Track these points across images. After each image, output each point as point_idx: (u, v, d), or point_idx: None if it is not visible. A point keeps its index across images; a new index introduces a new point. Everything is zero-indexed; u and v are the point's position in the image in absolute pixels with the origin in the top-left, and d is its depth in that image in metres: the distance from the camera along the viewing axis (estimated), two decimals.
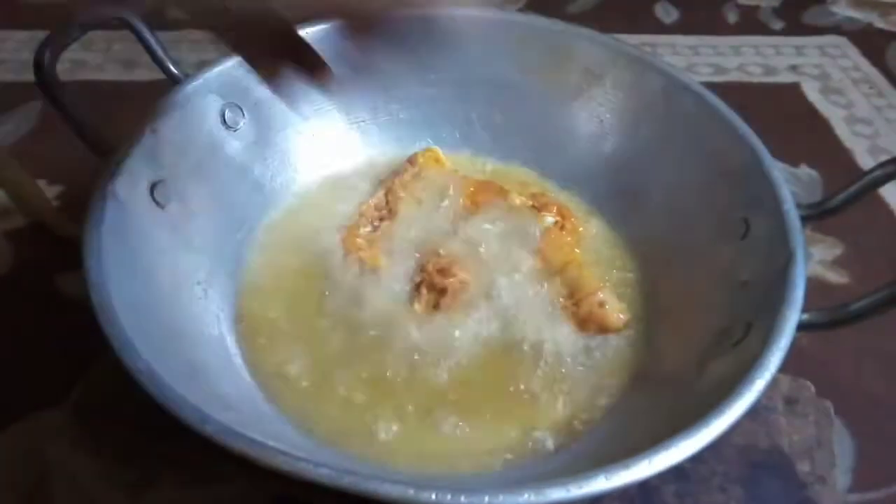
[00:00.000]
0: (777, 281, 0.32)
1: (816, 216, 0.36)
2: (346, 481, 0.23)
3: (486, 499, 0.23)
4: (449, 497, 0.23)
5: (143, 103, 0.42)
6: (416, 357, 0.40)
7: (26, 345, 0.47)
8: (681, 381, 0.35)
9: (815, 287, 0.55)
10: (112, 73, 0.72)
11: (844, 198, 0.35)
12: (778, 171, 0.37)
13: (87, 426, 0.42)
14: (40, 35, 0.76)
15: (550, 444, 0.37)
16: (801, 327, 0.30)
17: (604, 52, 0.48)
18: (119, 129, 0.40)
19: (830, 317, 0.30)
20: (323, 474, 0.23)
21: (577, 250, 0.46)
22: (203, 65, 0.73)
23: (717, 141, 0.41)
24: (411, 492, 0.23)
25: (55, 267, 0.52)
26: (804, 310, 0.31)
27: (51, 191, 0.58)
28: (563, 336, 0.41)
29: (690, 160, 0.44)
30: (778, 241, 0.34)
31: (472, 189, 0.48)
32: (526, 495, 0.23)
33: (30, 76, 0.38)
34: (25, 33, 0.77)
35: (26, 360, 0.47)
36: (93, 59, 0.74)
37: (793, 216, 0.34)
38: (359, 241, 0.46)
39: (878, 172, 0.33)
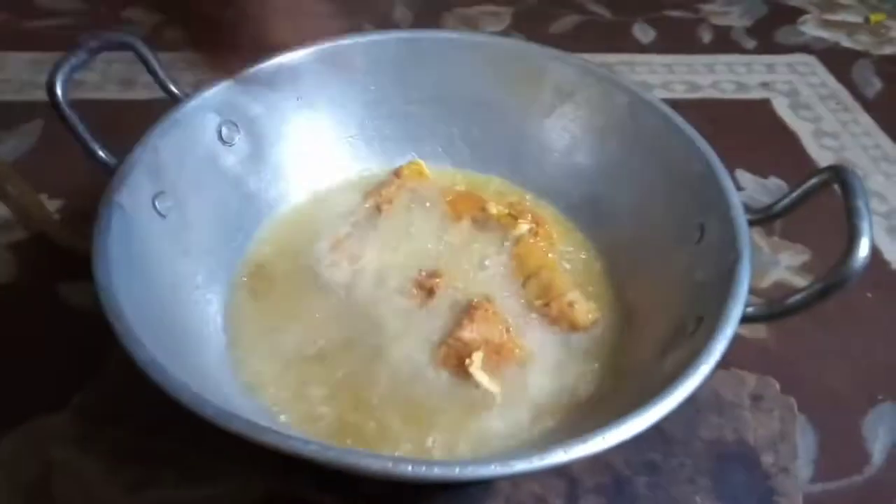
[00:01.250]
0: (725, 279, 0.34)
1: (763, 220, 0.38)
2: (331, 455, 0.26)
3: (457, 470, 0.25)
4: (423, 469, 0.25)
5: (141, 121, 0.43)
6: (400, 353, 0.42)
7: (31, 352, 0.49)
8: (645, 370, 0.37)
9: (782, 291, 0.57)
10: (111, 93, 0.75)
11: (787, 203, 0.37)
12: (729, 180, 0.40)
13: (89, 428, 0.43)
14: (41, 57, 0.80)
15: (529, 431, 0.39)
16: (745, 319, 0.33)
17: (573, 72, 0.50)
18: (119, 146, 0.42)
19: (769, 310, 0.33)
20: (311, 450, 0.26)
21: (550, 255, 0.48)
22: (198, 83, 0.76)
23: (677, 153, 0.44)
24: (390, 465, 0.25)
25: (57, 277, 0.54)
26: (750, 304, 0.34)
27: (52, 204, 0.60)
28: (537, 333, 0.44)
29: (653, 171, 0.46)
30: (728, 244, 0.36)
31: (453, 199, 0.51)
32: (493, 466, 0.26)
33: (32, 95, 0.40)
34: (28, 55, 0.79)
35: (31, 366, 0.48)
36: (92, 79, 0.76)
37: (741, 221, 0.37)
38: (347, 248, 0.48)
39: (814, 180, 0.36)
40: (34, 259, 0.56)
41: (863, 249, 0.30)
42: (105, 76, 0.77)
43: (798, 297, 0.32)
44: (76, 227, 0.56)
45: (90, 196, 0.39)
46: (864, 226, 0.30)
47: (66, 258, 0.53)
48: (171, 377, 0.28)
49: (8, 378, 0.48)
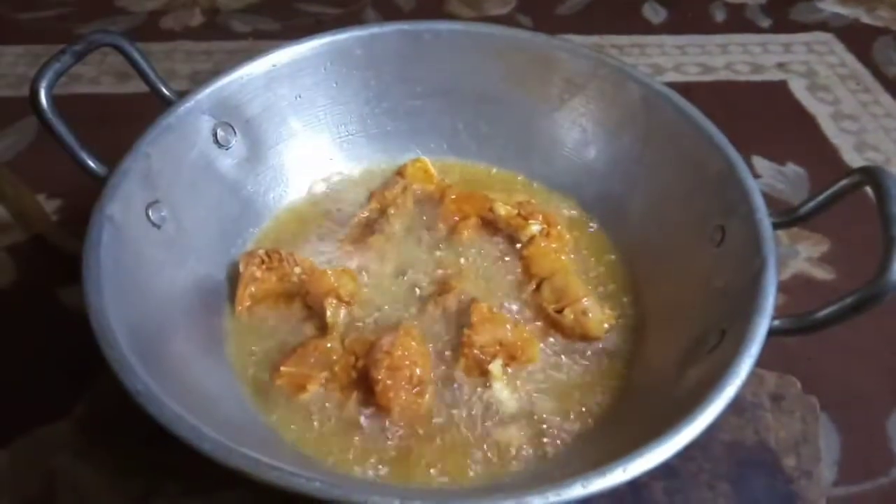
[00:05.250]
0: (750, 288, 0.32)
1: (788, 223, 0.36)
2: (337, 493, 0.24)
3: None
4: None
5: (139, 116, 0.42)
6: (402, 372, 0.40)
7: (30, 358, 0.48)
8: (662, 386, 0.36)
9: (801, 284, 0.56)
10: (107, 86, 0.73)
11: (814, 206, 0.35)
12: (752, 179, 0.38)
13: (91, 438, 0.43)
14: (37, 49, 0.78)
15: (540, 450, 0.38)
16: (772, 333, 0.31)
17: (584, 63, 0.48)
18: (116, 143, 0.40)
19: (799, 324, 0.31)
20: (315, 487, 0.25)
21: (563, 257, 0.46)
22: (196, 75, 0.75)
23: (695, 150, 0.42)
24: (397, 502, 0.24)
25: (57, 280, 0.53)
26: (778, 314, 0.32)
27: (50, 205, 0.59)
28: (551, 343, 0.42)
29: (669, 168, 0.44)
30: (751, 249, 0.34)
31: (460, 200, 0.49)
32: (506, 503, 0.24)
33: (27, 91, 0.38)
34: (21, 48, 0.77)
35: (30, 373, 0.47)
36: (88, 73, 0.74)
37: (765, 225, 0.35)
38: (349, 251, 0.47)
39: (845, 182, 0.34)
40: (33, 262, 0.55)
41: None
42: (100, 69, 0.75)
43: (829, 310, 0.30)
44: (75, 229, 0.55)
45: (90, 195, 0.38)
46: None
47: (65, 261, 0.52)
48: (166, 408, 0.27)
49: (8, 386, 0.47)
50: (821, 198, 0.35)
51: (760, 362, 0.44)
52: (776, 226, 0.35)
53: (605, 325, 0.42)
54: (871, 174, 0.32)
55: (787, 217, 0.36)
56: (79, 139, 0.39)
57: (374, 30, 0.49)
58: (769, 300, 0.31)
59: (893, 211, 0.29)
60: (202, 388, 0.36)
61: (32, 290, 0.53)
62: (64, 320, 0.50)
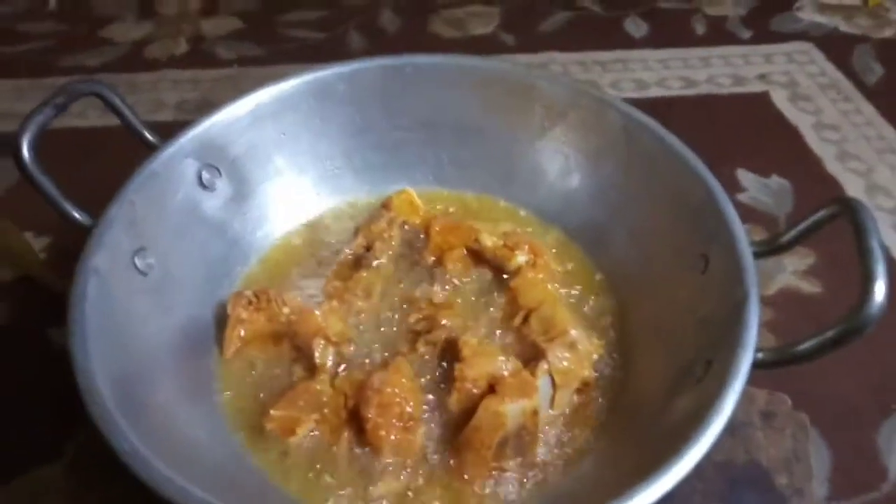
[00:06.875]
0: (733, 318, 0.33)
1: (769, 253, 0.37)
2: None
3: None
4: None
5: (126, 152, 0.42)
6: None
7: (20, 400, 0.48)
8: (650, 417, 0.36)
9: (789, 297, 0.56)
10: (93, 119, 0.73)
11: (795, 235, 0.36)
12: (731, 208, 0.38)
13: (82, 481, 0.42)
14: (22, 84, 0.77)
15: (529, 482, 0.38)
16: (755, 366, 0.31)
17: (564, 93, 0.48)
18: (102, 178, 0.40)
19: (781, 356, 0.32)
20: None
21: (549, 287, 0.46)
22: (183, 104, 0.75)
23: (676, 178, 0.42)
24: None
25: (45, 321, 0.52)
26: (764, 329, 0.32)
27: (38, 243, 0.58)
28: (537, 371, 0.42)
29: (652, 196, 0.44)
30: (733, 279, 0.35)
31: (445, 231, 0.49)
32: None
33: (13, 126, 0.38)
34: (7, 83, 0.77)
35: (20, 415, 0.47)
36: (73, 107, 0.73)
37: (747, 255, 0.35)
38: (337, 287, 0.47)
39: (823, 213, 0.34)
40: (21, 301, 0.55)
41: (878, 294, 0.28)
42: (86, 102, 0.74)
43: (810, 343, 0.30)
44: (64, 268, 0.55)
45: (78, 233, 0.38)
46: (879, 269, 0.29)
47: (53, 301, 0.52)
48: (153, 469, 0.27)
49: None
50: (801, 227, 0.35)
51: (750, 381, 0.45)
52: (757, 255, 0.36)
53: (594, 356, 0.42)
54: (847, 206, 0.32)
55: (767, 247, 0.36)
56: (62, 189, 0.39)
57: (356, 65, 0.50)
58: (752, 333, 0.32)
59: (870, 244, 0.30)
60: (190, 437, 0.35)
61: (21, 330, 0.53)
62: (53, 360, 0.50)
